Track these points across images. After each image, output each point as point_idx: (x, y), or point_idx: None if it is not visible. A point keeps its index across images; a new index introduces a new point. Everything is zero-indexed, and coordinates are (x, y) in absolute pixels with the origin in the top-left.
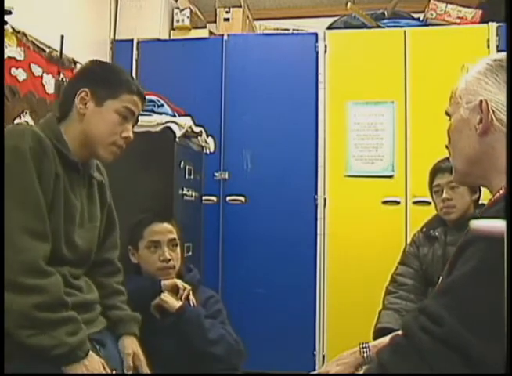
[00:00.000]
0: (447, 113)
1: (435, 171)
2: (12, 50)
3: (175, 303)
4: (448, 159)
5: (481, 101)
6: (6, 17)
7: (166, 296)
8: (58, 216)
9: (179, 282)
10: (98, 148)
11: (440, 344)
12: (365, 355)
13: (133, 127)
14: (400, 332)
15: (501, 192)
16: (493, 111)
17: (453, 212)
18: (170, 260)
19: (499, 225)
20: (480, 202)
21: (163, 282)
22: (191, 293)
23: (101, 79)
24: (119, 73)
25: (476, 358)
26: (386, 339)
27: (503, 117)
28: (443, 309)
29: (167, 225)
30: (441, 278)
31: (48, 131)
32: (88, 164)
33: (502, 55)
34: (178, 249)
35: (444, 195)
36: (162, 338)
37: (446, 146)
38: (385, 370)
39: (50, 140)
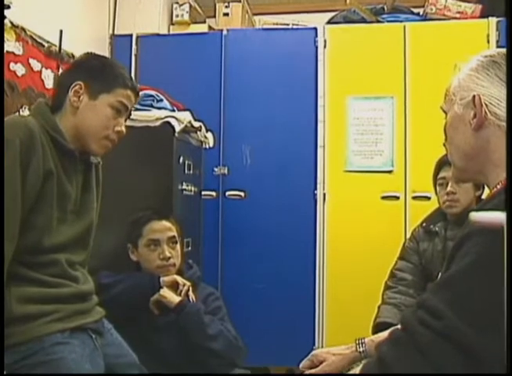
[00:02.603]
0: (443, 110)
1: (442, 164)
2: (10, 45)
3: (175, 298)
4: None
5: (474, 96)
6: (5, 12)
7: (165, 291)
8: (49, 207)
9: (179, 278)
10: (90, 141)
11: (439, 337)
12: (361, 349)
13: (125, 121)
14: (399, 326)
15: (498, 186)
16: (486, 105)
17: (456, 206)
18: (170, 258)
19: (497, 218)
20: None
21: (162, 278)
22: (190, 289)
23: (96, 72)
24: (114, 67)
25: (475, 351)
26: (383, 334)
27: (497, 110)
28: (442, 302)
29: (166, 223)
30: (440, 273)
31: (43, 121)
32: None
33: (494, 51)
34: (178, 246)
35: (449, 188)
36: (161, 334)
37: (444, 144)
38: (385, 364)
39: (45, 130)
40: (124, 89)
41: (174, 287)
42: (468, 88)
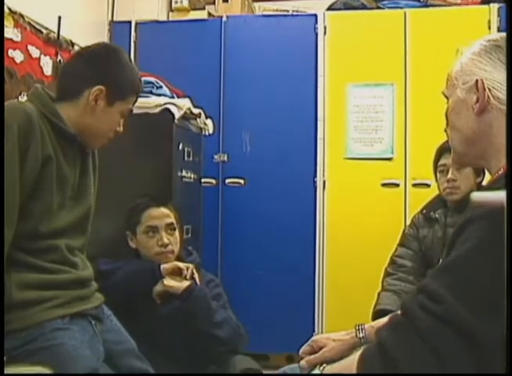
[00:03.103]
0: (444, 95)
1: (442, 151)
2: (9, 31)
3: (180, 284)
4: None
5: (476, 80)
6: None
7: (169, 280)
8: (48, 192)
9: (179, 263)
10: (92, 139)
11: (439, 322)
12: (361, 335)
13: None
14: (399, 311)
15: (500, 172)
16: (489, 90)
17: (457, 193)
18: (168, 245)
19: (498, 203)
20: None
21: (162, 266)
22: (195, 271)
23: (115, 78)
24: (130, 70)
25: (476, 336)
26: (383, 320)
27: (500, 94)
28: (442, 287)
29: (164, 210)
30: (441, 259)
31: (41, 106)
32: None
33: (497, 35)
34: (177, 233)
35: (449, 175)
36: (162, 321)
37: (445, 130)
38: (385, 349)
39: (43, 115)
40: (135, 96)
41: (176, 273)
42: (471, 72)
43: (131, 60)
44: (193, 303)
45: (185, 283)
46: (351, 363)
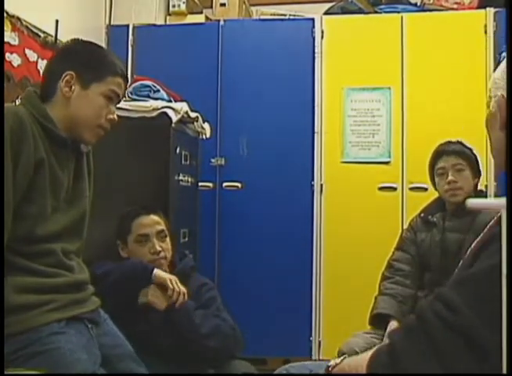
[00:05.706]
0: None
1: (440, 154)
2: (6, 35)
3: (162, 302)
4: (450, 142)
5: (502, 95)
6: None
7: (153, 296)
8: (42, 196)
9: (171, 281)
10: (83, 131)
11: (452, 331)
12: None
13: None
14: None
15: None
16: None
17: (460, 194)
18: (160, 252)
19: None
20: (478, 188)
21: (155, 272)
22: (186, 295)
23: (86, 61)
24: (103, 54)
25: (486, 349)
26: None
27: None
28: (460, 297)
29: (154, 217)
30: (461, 262)
31: (33, 110)
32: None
33: None
34: (168, 239)
35: (450, 177)
36: (159, 329)
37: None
38: (395, 351)
39: (35, 118)
40: (115, 77)
41: (164, 288)
42: (499, 86)
43: (113, 54)
44: (175, 317)
45: (165, 304)
46: (365, 359)
